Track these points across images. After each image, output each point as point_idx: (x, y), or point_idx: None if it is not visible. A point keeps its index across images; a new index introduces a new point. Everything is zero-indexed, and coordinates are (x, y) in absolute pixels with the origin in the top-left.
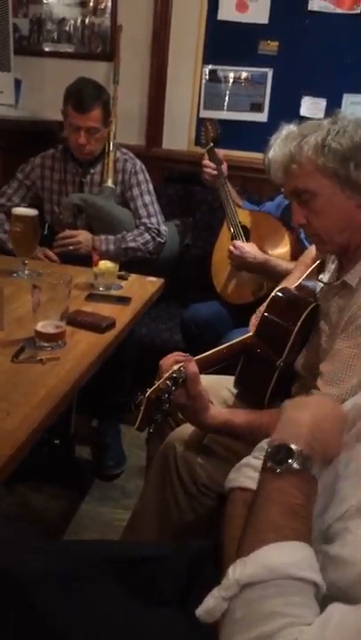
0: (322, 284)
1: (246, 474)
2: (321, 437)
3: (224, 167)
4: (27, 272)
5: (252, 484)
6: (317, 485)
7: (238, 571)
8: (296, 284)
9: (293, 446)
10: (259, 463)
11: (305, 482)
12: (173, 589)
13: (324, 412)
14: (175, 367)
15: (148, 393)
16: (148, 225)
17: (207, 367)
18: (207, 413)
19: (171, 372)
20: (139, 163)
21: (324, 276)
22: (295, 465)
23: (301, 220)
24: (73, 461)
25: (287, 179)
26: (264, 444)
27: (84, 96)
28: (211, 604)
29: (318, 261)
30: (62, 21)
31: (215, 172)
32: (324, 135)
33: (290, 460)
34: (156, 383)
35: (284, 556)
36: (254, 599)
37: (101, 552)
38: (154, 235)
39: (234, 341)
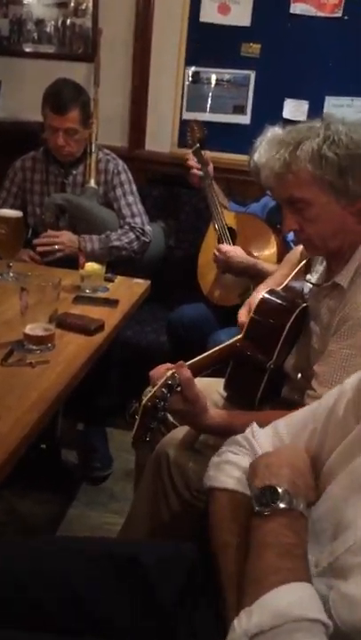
0: (310, 285)
1: (228, 473)
2: (300, 476)
3: (210, 168)
4: (11, 274)
5: (236, 485)
6: (307, 522)
7: (244, 622)
8: (283, 285)
9: (277, 487)
10: (238, 459)
11: (294, 520)
12: (173, 590)
13: (295, 454)
14: (169, 374)
15: (144, 401)
16: (132, 224)
17: (199, 372)
18: (206, 415)
19: (165, 378)
20: (121, 163)
21: (313, 277)
22: (282, 505)
23: (294, 226)
24: (60, 466)
25: (282, 187)
26: (239, 437)
27: (61, 97)
28: None
29: (305, 261)
30: (42, 22)
31: (200, 173)
32: (319, 143)
33: (276, 501)
34: (152, 390)
35: (287, 599)
36: None
37: (101, 549)
38: (138, 234)
39: (223, 345)
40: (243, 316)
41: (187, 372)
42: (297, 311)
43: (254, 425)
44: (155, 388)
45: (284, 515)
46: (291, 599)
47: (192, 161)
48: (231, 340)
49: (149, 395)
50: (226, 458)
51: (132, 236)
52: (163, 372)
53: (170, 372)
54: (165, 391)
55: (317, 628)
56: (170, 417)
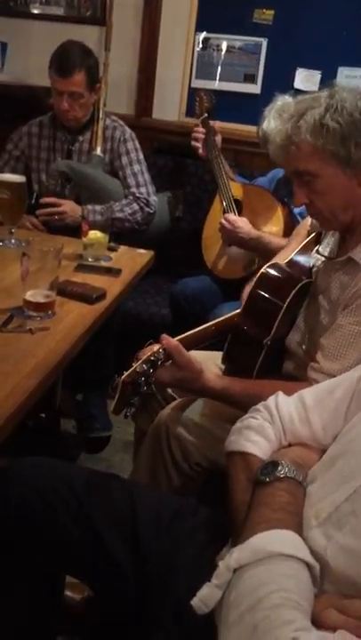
0: (322, 258)
1: (248, 437)
2: (306, 458)
3: (218, 139)
4: (13, 241)
5: (254, 449)
6: (305, 491)
7: (227, 559)
8: (287, 260)
9: (280, 460)
10: (258, 424)
11: (292, 486)
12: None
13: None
14: (154, 349)
15: (123, 377)
16: (137, 195)
17: (195, 344)
18: (204, 377)
19: (148, 354)
20: (128, 131)
21: (323, 250)
22: (281, 474)
23: (304, 199)
24: (58, 435)
25: (287, 159)
26: (260, 406)
27: (67, 60)
28: (204, 593)
29: (314, 234)
30: None
31: (202, 136)
32: (321, 112)
33: (276, 471)
34: (133, 366)
35: (268, 539)
36: (244, 579)
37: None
38: (142, 205)
39: (222, 318)
40: (247, 292)
41: (173, 341)
42: (297, 288)
43: (280, 394)
44: (136, 364)
45: (283, 482)
46: (271, 539)
47: (197, 132)
48: (229, 314)
49: (130, 370)
50: (247, 424)
51: (135, 207)
52: (148, 350)
53: (155, 347)
54: (147, 367)
55: (294, 563)
56: (170, 390)
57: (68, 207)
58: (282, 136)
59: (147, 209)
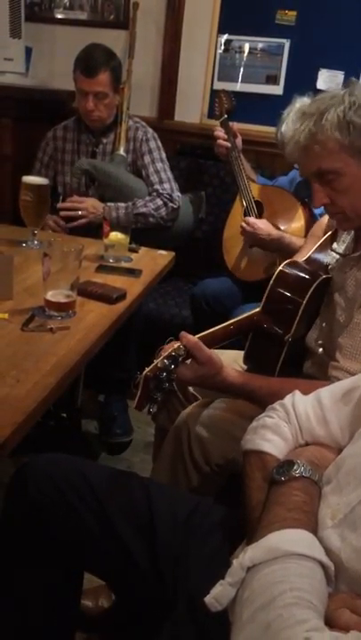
0: (337, 256)
1: (264, 436)
2: (322, 458)
3: (238, 140)
4: (36, 242)
5: (270, 448)
6: (321, 490)
7: (241, 557)
8: (305, 257)
9: (295, 460)
10: (274, 422)
11: (307, 485)
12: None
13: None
14: (175, 346)
15: (145, 372)
16: (160, 190)
17: (214, 343)
18: (224, 372)
19: (170, 350)
20: (150, 131)
21: (339, 247)
22: (296, 473)
23: (325, 200)
24: (79, 435)
25: (309, 160)
26: (276, 404)
27: (92, 60)
28: (218, 591)
29: (330, 232)
30: None
31: (228, 144)
32: (345, 110)
33: (292, 470)
34: (155, 361)
35: (282, 538)
36: (258, 577)
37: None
38: (166, 200)
39: (241, 317)
40: None
41: (192, 338)
42: (316, 283)
43: (296, 392)
44: (158, 360)
45: (298, 481)
46: (285, 538)
47: (219, 132)
48: (250, 313)
49: (151, 365)
50: (263, 422)
51: (159, 202)
52: (169, 347)
53: (176, 344)
54: (168, 363)
55: (308, 563)
56: (192, 389)
57: (90, 204)
58: (305, 135)
59: (171, 204)
